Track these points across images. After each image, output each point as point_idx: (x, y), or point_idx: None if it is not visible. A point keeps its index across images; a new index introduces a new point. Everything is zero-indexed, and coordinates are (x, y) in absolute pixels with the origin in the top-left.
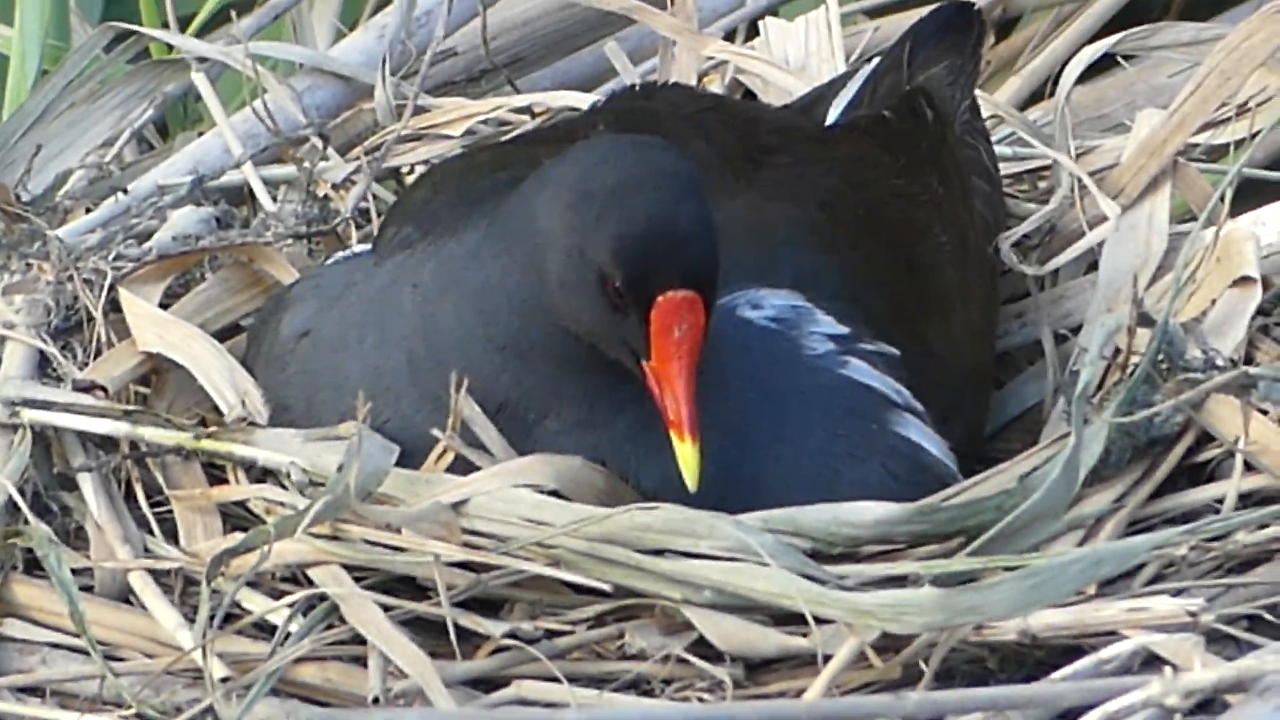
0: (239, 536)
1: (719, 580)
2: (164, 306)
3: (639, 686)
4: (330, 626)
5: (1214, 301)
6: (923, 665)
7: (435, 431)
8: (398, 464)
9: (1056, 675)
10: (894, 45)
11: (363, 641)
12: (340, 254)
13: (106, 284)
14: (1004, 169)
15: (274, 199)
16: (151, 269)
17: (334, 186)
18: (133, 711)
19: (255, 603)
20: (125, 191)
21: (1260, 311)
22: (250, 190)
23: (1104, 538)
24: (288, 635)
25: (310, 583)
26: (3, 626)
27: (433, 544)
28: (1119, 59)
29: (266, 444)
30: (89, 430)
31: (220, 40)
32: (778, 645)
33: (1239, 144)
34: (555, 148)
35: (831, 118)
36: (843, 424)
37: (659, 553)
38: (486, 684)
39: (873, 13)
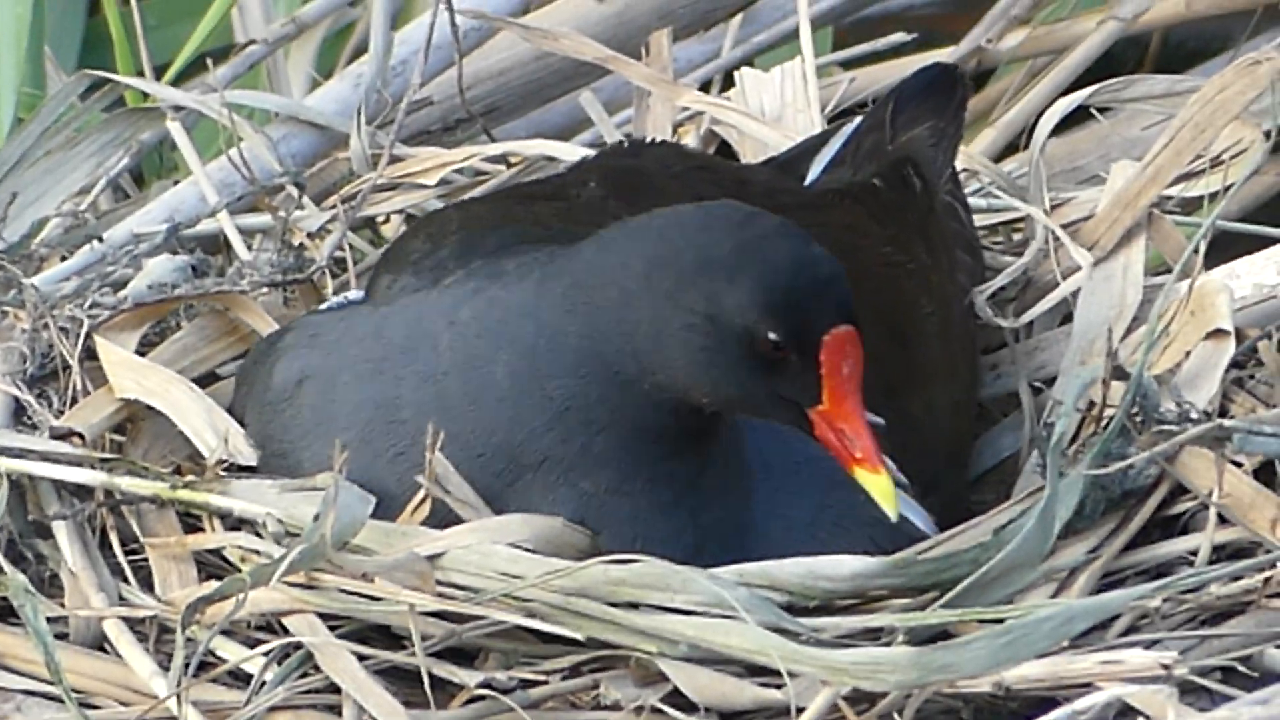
0: (214, 585)
1: (693, 635)
2: (140, 355)
3: None
4: (305, 675)
5: (1188, 354)
6: (896, 718)
7: (420, 478)
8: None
9: None
10: (877, 104)
11: (338, 690)
12: (329, 303)
13: (82, 332)
14: (979, 220)
15: (249, 248)
16: (127, 317)
17: (309, 235)
18: None
19: (230, 651)
20: (101, 240)
21: (1234, 364)
22: (226, 239)
23: (1077, 590)
24: (263, 684)
25: (285, 631)
26: None
27: (407, 594)
28: (1094, 111)
29: (242, 494)
30: (64, 479)
31: (196, 89)
32: (752, 698)
33: (1213, 196)
34: (552, 205)
35: (813, 174)
36: (830, 495)
37: (634, 606)
38: None
39: (848, 64)
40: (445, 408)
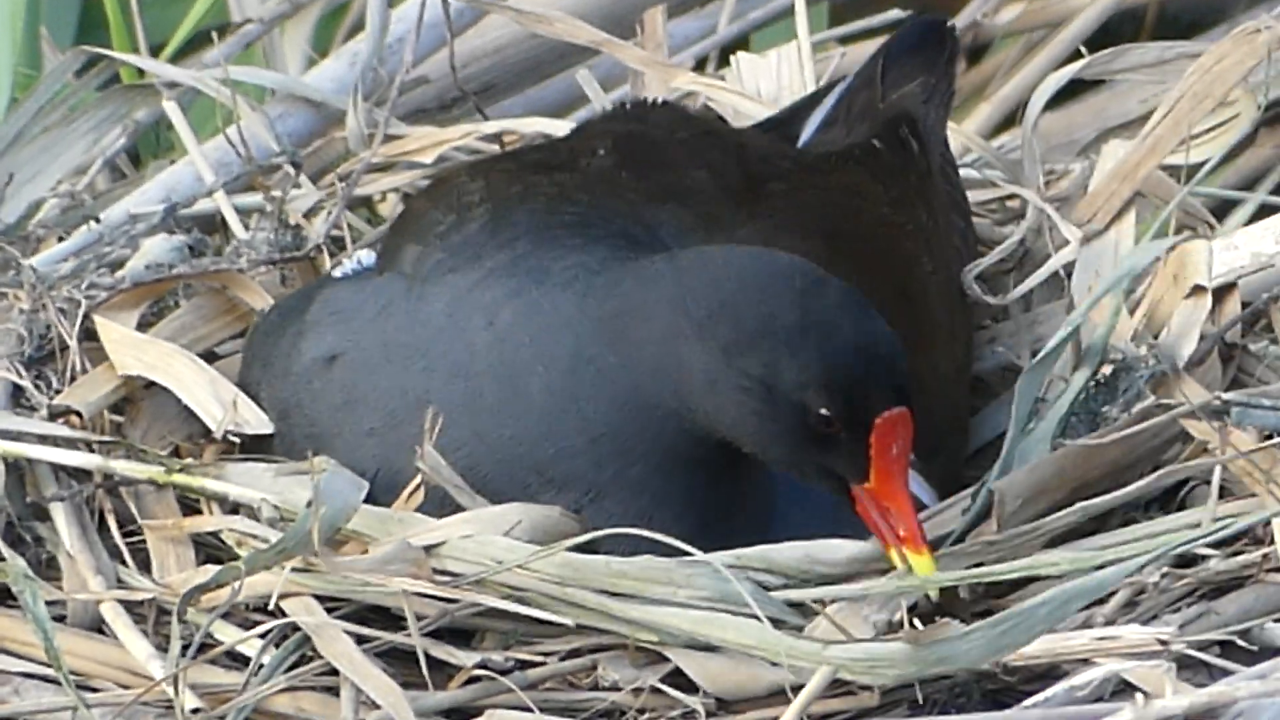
0: (211, 569)
1: (691, 630)
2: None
3: (611, 716)
4: (303, 657)
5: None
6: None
7: (419, 463)
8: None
9: (1029, 703)
10: (867, 62)
11: (335, 672)
12: (343, 270)
13: (80, 313)
14: (973, 195)
15: (246, 227)
16: (125, 297)
17: (305, 214)
18: None
19: (227, 634)
20: (98, 220)
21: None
22: (222, 218)
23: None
24: (260, 666)
25: (282, 613)
26: None
27: (402, 580)
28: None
29: (238, 479)
30: (62, 462)
31: (192, 69)
32: (750, 675)
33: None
34: (570, 176)
35: (806, 135)
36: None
37: (633, 596)
38: (459, 714)
39: (845, 40)
40: (476, 408)
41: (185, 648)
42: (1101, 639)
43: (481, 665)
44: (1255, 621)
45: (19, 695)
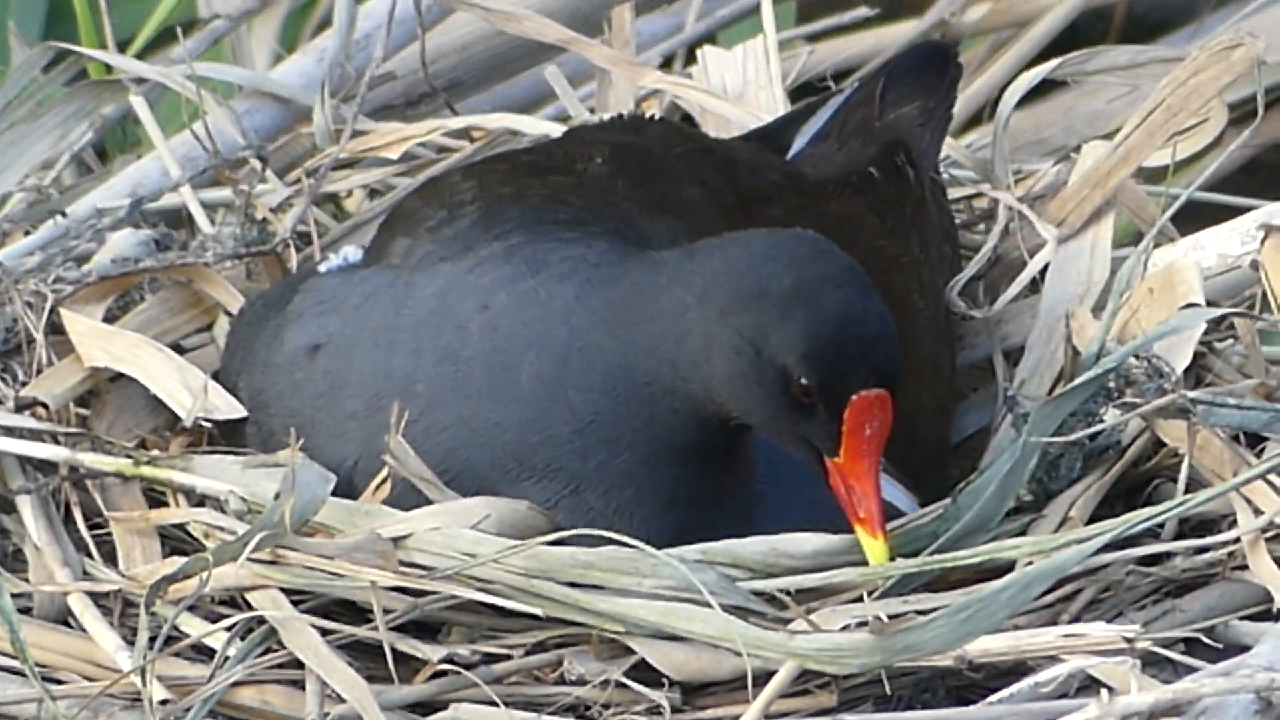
0: (177, 561)
1: (657, 621)
2: None
3: (577, 710)
4: (269, 650)
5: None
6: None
7: (386, 457)
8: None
9: (994, 698)
10: (868, 79)
11: (301, 665)
12: (329, 264)
13: (47, 306)
14: None
15: (212, 222)
16: (91, 290)
17: (272, 209)
18: None
19: (194, 626)
20: (64, 214)
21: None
22: (189, 213)
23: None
24: (226, 659)
25: (249, 606)
26: None
27: (370, 571)
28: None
29: (205, 471)
30: (28, 454)
31: (159, 64)
32: (714, 661)
33: (1178, 166)
34: (564, 179)
35: (797, 146)
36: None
37: (600, 588)
38: (424, 708)
39: (812, 38)
40: (463, 392)
41: (152, 640)
42: (1067, 636)
43: (447, 659)
44: (1220, 619)
45: None
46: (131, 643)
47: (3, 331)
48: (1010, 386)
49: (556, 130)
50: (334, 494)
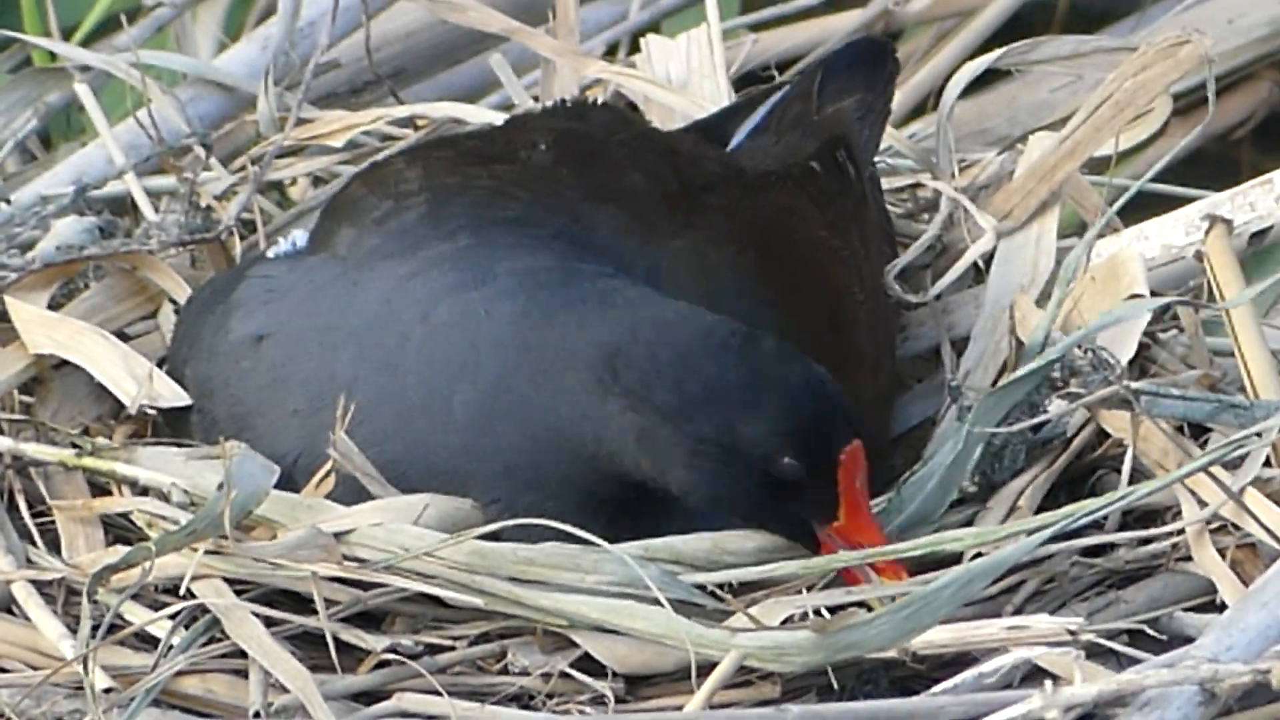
0: (121, 550)
1: (599, 618)
2: None
3: (521, 700)
4: (213, 639)
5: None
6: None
7: (330, 450)
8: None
9: (938, 689)
10: (805, 74)
11: (245, 654)
12: (277, 250)
13: None
14: (885, 184)
15: (156, 209)
16: (35, 278)
17: (216, 197)
18: None
19: (137, 615)
20: (8, 202)
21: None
22: (133, 200)
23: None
24: (170, 647)
25: (192, 595)
26: None
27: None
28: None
29: (148, 463)
30: None
31: (103, 52)
32: (657, 654)
33: (1121, 156)
34: (508, 168)
35: (736, 140)
36: None
37: (542, 583)
38: (368, 697)
39: (756, 27)
40: (399, 406)
41: (95, 628)
42: (1011, 628)
43: (391, 649)
44: (1164, 610)
45: None
46: (75, 631)
47: None
48: (954, 377)
49: (501, 119)
50: (275, 488)
